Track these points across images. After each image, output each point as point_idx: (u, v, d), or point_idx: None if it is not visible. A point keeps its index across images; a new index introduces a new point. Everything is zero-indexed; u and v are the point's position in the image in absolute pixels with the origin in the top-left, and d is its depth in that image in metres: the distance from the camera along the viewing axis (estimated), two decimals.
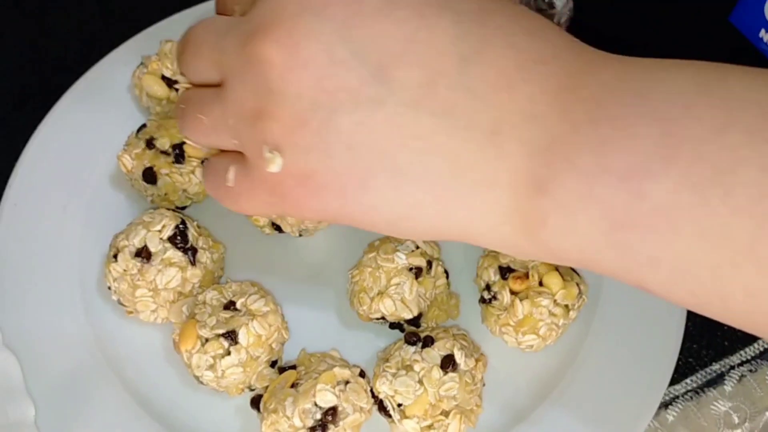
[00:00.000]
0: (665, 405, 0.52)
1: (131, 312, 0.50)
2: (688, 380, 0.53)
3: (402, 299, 0.49)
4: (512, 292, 0.49)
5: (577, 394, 0.50)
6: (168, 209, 0.51)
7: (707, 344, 0.55)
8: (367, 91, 0.31)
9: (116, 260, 0.49)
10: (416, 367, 0.45)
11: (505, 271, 0.50)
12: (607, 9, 0.74)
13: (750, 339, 0.55)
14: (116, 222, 0.54)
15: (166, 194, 0.54)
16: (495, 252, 0.52)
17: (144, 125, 0.55)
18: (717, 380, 0.54)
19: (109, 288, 0.50)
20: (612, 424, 0.49)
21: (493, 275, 0.51)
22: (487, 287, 0.51)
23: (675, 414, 0.52)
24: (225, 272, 0.54)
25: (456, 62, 0.31)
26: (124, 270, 0.49)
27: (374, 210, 0.33)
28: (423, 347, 0.46)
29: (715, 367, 0.54)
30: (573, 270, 0.51)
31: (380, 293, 0.49)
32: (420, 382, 0.45)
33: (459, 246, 0.56)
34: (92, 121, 0.60)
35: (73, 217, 0.56)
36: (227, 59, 0.33)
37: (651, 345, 0.52)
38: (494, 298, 0.50)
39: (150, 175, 0.53)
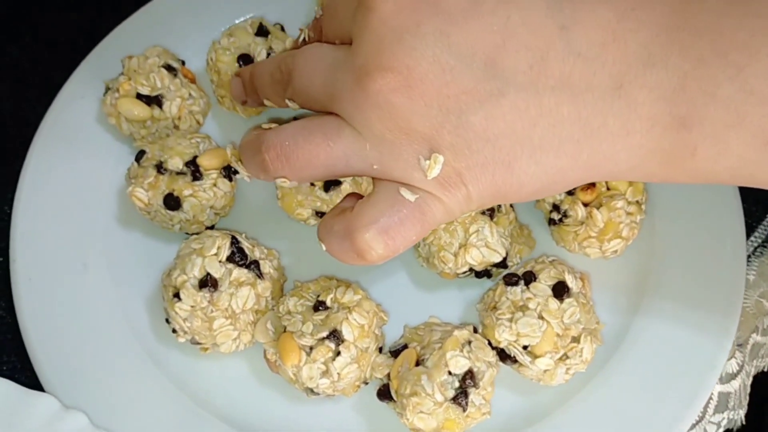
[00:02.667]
0: None
1: (206, 349, 0.46)
2: (751, 238, 0.55)
3: (486, 244, 0.47)
4: (584, 204, 0.49)
5: (613, 386, 0.47)
6: (216, 232, 0.47)
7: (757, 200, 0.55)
8: (484, 87, 0.32)
9: (179, 299, 0.44)
10: (531, 305, 0.44)
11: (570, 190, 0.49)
12: None
13: None
14: (146, 264, 0.50)
15: (194, 216, 0.49)
16: None
17: (143, 152, 0.50)
18: None
19: (174, 331, 0.46)
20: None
21: (558, 194, 0.50)
22: (555, 207, 0.50)
23: (753, 273, 0.53)
24: (287, 277, 0.50)
25: (557, 33, 0.32)
26: (192, 306, 0.44)
27: (522, 187, 0.34)
28: (527, 284, 0.45)
29: None
30: None
31: (462, 246, 0.47)
32: (540, 317, 0.44)
33: None
34: (73, 169, 0.53)
35: (97, 278, 0.50)
36: (344, 94, 0.35)
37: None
38: (565, 215, 0.49)
39: (173, 201, 0.48)
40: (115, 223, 0.52)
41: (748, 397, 0.51)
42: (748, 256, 0.52)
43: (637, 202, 0.49)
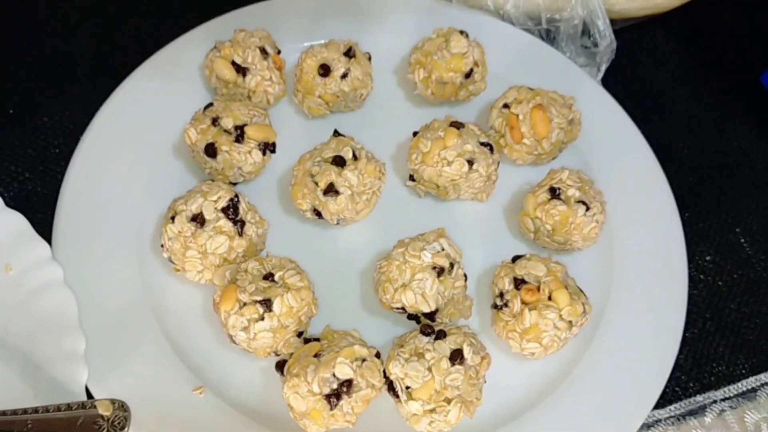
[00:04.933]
0: (647, 426, 0.57)
1: (179, 270, 0.56)
2: (672, 407, 0.58)
3: (423, 293, 0.54)
4: (523, 302, 0.54)
5: (567, 403, 0.55)
6: (223, 183, 0.57)
7: (695, 377, 0.60)
8: None
9: (173, 222, 0.54)
10: (427, 356, 0.50)
11: (519, 282, 0.55)
12: (645, 57, 0.79)
13: (735, 378, 0.60)
14: (174, 187, 0.60)
15: (222, 169, 0.59)
16: (512, 264, 0.57)
17: (211, 104, 0.61)
18: (698, 411, 0.58)
19: (162, 246, 0.56)
20: None
21: (507, 284, 0.56)
22: (501, 295, 0.56)
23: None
24: (266, 247, 0.59)
25: None
26: (179, 231, 0.54)
27: None
28: (436, 339, 0.51)
29: (699, 398, 0.59)
30: (581, 291, 0.56)
31: (404, 285, 0.54)
32: (429, 369, 0.50)
33: (480, 254, 0.61)
34: (163, 92, 0.66)
35: (136, 177, 0.61)
36: None
37: (642, 369, 0.57)
38: (506, 305, 0.55)
39: (211, 150, 0.59)
40: (169, 149, 0.64)
41: None
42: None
43: (570, 322, 0.54)
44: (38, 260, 0.56)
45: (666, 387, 0.56)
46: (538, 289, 0.54)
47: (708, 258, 0.67)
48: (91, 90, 0.66)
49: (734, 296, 0.65)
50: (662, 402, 0.58)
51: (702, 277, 0.65)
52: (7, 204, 0.60)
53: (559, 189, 0.60)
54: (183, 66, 0.67)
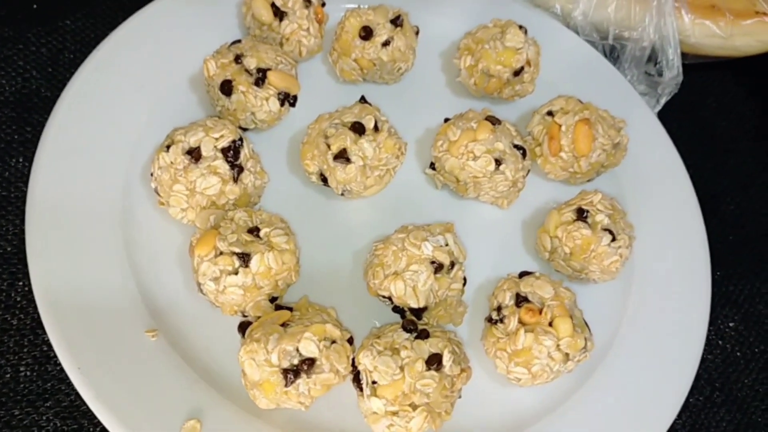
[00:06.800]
0: None
1: (163, 204, 0.52)
2: None
3: (414, 287, 0.49)
4: (520, 322, 0.49)
5: None
6: (231, 124, 0.53)
7: None
8: None
9: (167, 151, 0.50)
10: (403, 353, 0.45)
11: (521, 300, 0.50)
12: (709, 100, 0.73)
13: None
14: (180, 119, 0.55)
15: (234, 110, 0.55)
16: (518, 278, 0.52)
17: (239, 41, 0.57)
18: None
19: (152, 174, 0.51)
20: None
21: (508, 299, 0.51)
22: (498, 308, 0.51)
23: None
24: (261, 202, 0.55)
25: None
26: (171, 162, 0.50)
27: None
28: (416, 338, 0.46)
29: None
30: (586, 325, 0.50)
31: (396, 274, 0.49)
32: (401, 368, 0.45)
33: (486, 261, 0.56)
34: (193, 19, 0.62)
35: (143, 101, 0.57)
36: None
37: (632, 428, 0.51)
38: (501, 320, 0.50)
39: (227, 87, 0.54)
40: (185, 78, 0.60)
41: None
42: None
43: (567, 354, 0.48)
44: None
45: None
46: (540, 311, 0.49)
47: (731, 324, 0.61)
48: (121, 1, 0.63)
49: (751, 371, 0.59)
50: None
51: (720, 343, 0.60)
52: (6, 99, 0.56)
53: (588, 212, 0.54)
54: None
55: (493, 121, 0.56)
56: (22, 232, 0.51)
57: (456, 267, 0.51)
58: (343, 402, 0.48)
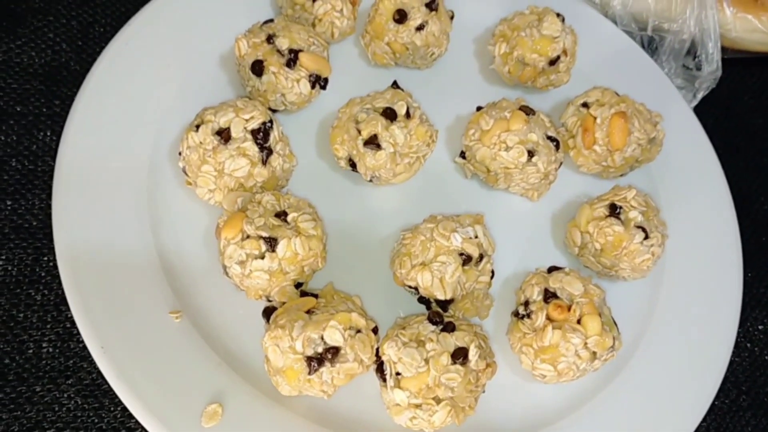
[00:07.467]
0: None
1: (190, 183, 0.51)
2: None
3: (441, 278, 0.48)
4: (548, 318, 0.48)
5: None
6: (262, 105, 0.52)
7: None
8: None
9: (197, 131, 0.50)
10: (428, 346, 0.45)
11: (549, 295, 0.49)
12: (747, 97, 0.71)
13: None
14: (209, 99, 0.55)
15: (265, 91, 0.54)
16: (546, 273, 0.51)
17: (271, 20, 0.56)
18: None
19: (180, 153, 0.51)
20: None
21: (536, 294, 0.50)
22: (526, 303, 0.50)
23: None
24: (288, 185, 0.54)
25: None
26: (200, 142, 0.49)
27: None
28: (442, 330, 0.46)
29: None
30: (614, 323, 0.49)
31: (423, 264, 0.48)
32: (426, 360, 0.44)
33: (514, 255, 0.55)
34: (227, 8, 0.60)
35: (172, 78, 0.56)
36: None
37: (657, 429, 0.50)
38: (528, 315, 0.49)
39: (258, 68, 0.54)
40: (216, 57, 0.59)
41: None
42: None
43: (594, 353, 0.47)
44: None
45: None
46: (569, 308, 0.48)
47: (761, 327, 0.60)
48: None
49: None
50: None
51: (749, 345, 0.59)
52: (35, 72, 0.56)
53: (621, 208, 0.53)
54: None
55: (527, 111, 0.55)
56: (49, 207, 0.51)
57: (485, 260, 0.50)
58: (365, 392, 0.48)
